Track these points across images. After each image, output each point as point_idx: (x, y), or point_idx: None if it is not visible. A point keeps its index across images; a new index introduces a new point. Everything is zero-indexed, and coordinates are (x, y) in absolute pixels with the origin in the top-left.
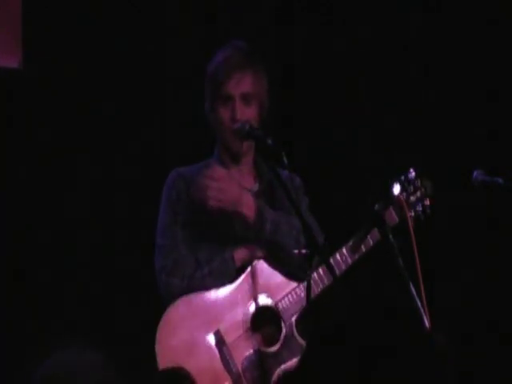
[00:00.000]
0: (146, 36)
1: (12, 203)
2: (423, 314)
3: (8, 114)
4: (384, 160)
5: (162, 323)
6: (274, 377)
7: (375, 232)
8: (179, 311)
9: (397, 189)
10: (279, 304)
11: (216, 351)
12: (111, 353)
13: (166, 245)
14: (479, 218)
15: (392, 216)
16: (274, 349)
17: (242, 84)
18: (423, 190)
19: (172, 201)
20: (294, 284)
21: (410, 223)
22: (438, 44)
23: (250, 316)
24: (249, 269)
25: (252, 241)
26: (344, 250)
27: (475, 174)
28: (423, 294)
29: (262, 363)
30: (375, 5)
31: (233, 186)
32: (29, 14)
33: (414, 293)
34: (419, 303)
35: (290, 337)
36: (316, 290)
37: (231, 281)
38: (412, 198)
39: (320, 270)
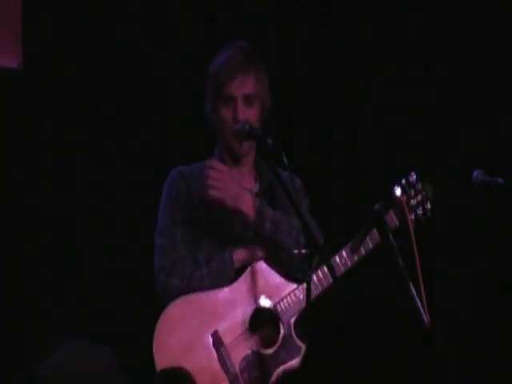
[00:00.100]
0: (146, 36)
1: (12, 203)
2: (423, 314)
3: (8, 113)
4: (384, 160)
5: (160, 323)
6: (273, 378)
7: (374, 234)
8: (178, 311)
9: (398, 192)
10: (278, 305)
11: (214, 351)
12: (111, 353)
13: (165, 245)
14: (479, 218)
15: (392, 219)
16: (271, 350)
17: (245, 85)
18: (424, 193)
19: (172, 199)
20: (293, 285)
21: (411, 226)
22: (438, 44)
23: (248, 317)
24: (248, 270)
25: (252, 240)
26: (344, 253)
27: (475, 174)
28: (423, 294)
29: (259, 364)
30: (375, 5)
31: (233, 181)
32: (29, 14)
33: (414, 293)
34: (419, 303)
35: (288, 338)
36: (315, 291)
37: (230, 281)
38: (413, 202)
39: (319, 272)
